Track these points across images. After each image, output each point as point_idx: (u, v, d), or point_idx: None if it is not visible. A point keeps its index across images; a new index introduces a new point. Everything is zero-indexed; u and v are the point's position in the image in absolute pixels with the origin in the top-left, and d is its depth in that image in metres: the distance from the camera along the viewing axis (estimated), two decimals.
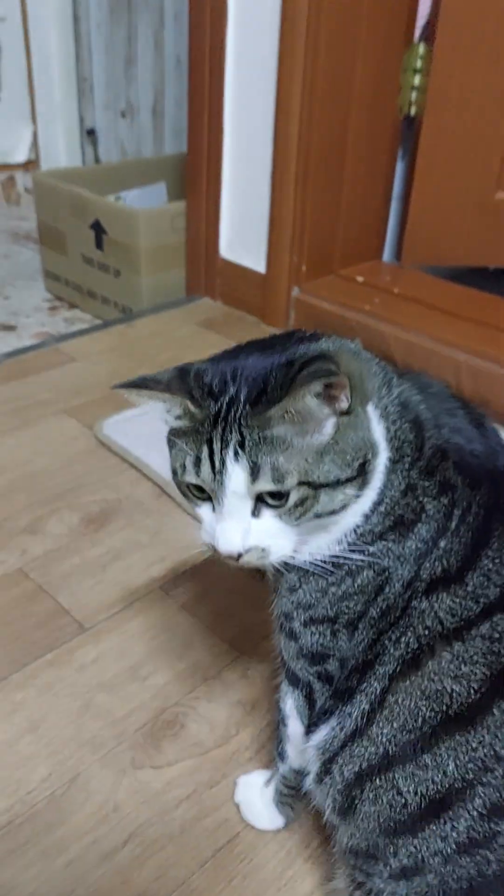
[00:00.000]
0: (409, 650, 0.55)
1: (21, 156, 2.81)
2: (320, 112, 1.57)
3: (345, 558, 0.57)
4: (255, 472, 0.52)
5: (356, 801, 0.57)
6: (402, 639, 0.55)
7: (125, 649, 0.96)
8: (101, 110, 2.76)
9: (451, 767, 0.52)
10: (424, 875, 0.54)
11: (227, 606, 1.02)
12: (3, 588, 1.03)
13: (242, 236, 1.79)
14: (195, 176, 1.80)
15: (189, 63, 1.71)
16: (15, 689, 0.90)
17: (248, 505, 0.54)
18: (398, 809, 0.55)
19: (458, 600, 0.54)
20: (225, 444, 0.53)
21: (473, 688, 0.52)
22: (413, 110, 1.70)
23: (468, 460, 0.57)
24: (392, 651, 0.56)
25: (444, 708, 0.52)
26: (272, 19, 1.51)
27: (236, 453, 0.53)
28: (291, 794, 0.72)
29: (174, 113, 2.60)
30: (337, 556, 0.57)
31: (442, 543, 0.55)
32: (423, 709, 0.53)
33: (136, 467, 1.27)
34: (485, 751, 0.51)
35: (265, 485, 0.52)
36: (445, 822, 0.52)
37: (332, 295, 1.70)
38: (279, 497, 0.53)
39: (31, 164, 2.85)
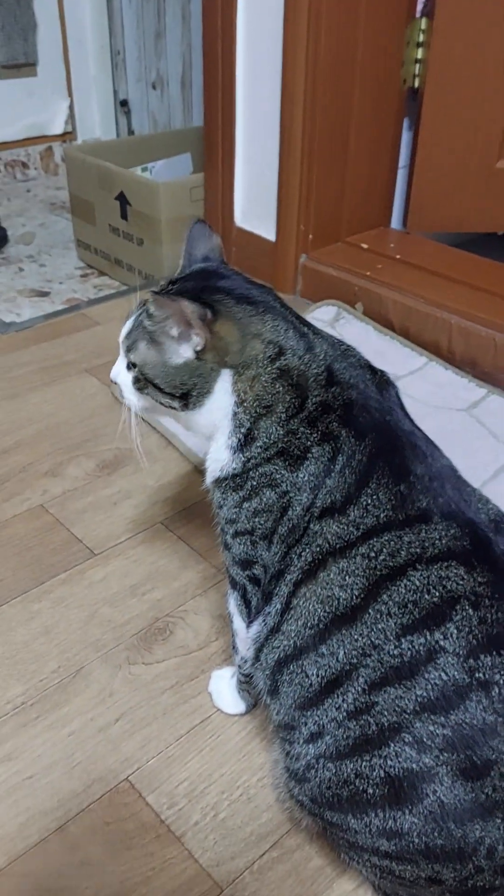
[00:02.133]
0: (308, 563, 0.69)
1: (58, 128, 2.95)
2: (324, 86, 1.67)
3: (239, 474, 0.74)
4: (127, 346, 0.80)
5: (278, 683, 0.73)
6: (303, 554, 0.70)
7: (129, 571, 1.13)
8: (134, 83, 2.87)
9: (341, 654, 0.66)
10: (324, 738, 0.69)
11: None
12: (26, 521, 1.21)
13: (255, 206, 1.91)
14: (211, 150, 1.92)
15: (203, 42, 1.82)
16: (33, 601, 1.07)
17: (124, 361, 0.81)
18: (306, 688, 0.69)
19: (342, 526, 0.68)
20: (131, 322, 0.81)
21: (355, 594, 0.66)
22: (417, 83, 1.79)
23: (355, 414, 0.71)
24: (296, 563, 0.70)
25: (334, 609, 0.67)
26: (276, 3, 1.61)
27: (129, 330, 0.80)
28: (247, 682, 0.88)
29: (201, 84, 2.70)
30: (235, 472, 0.75)
31: (329, 481, 0.70)
32: (318, 610, 0.68)
33: (146, 420, 1.43)
34: (364, 641, 0.65)
35: (126, 356, 0.80)
36: (338, 696, 0.67)
37: (337, 261, 1.81)
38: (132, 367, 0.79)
39: (68, 136, 2.99)
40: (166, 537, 1.19)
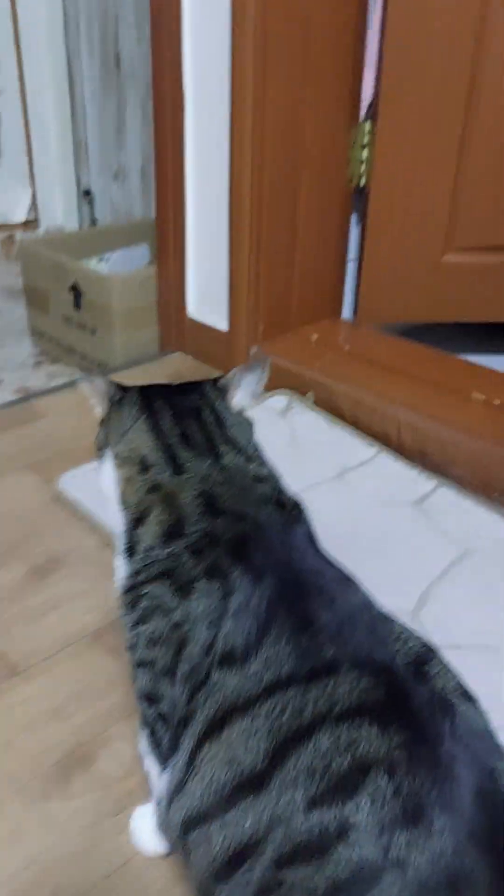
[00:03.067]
0: (211, 717, 0.64)
1: (20, 216, 2.99)
2: (270, 187, 1.70)
3: (130, 589, 0.73)
4: None
5: (187, 846, 0.66)
6: (207, 703, 0.65)
7: (52, 691, 1.06)
8: (97, 173, 2.94)
9: (246, 825, 0.60)
10: None
11: None
12: None
13: (208, 297, 1.92)
14: (164, 242, 1.94)
15: (154, 140, 1.85)
16: None
17: None
18: (213, 858, 0.62)
19: (242, 680, 0.63)
20: None
21: (259, 759, 0.61)
22: (363, 181, 1.83)
23: (250, 552, 0.68)
24: (199, 714, 0.65)
25: (238, 774, 0.61)
26: (223, 112, 1.66)
27: None
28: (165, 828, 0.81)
29: None
30: (126, 587, 0.72)
31: (228, 623, 0.65)
32: (223, 774, 0.62)
33: (86, 519, 1.38)
34: (269, 813, 0.59)
35: None
36: (246, 871, 0.60)
37: (287, 352, 1.81)
38: None
39: (30, 224, 3.03)
40: (95, 651, 1.13)
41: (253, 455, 0.81)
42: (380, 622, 0.68)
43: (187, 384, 0.86)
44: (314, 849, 0.57)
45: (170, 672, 0.69)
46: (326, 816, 0.57)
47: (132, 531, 0.75)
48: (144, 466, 0.77)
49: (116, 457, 0.80)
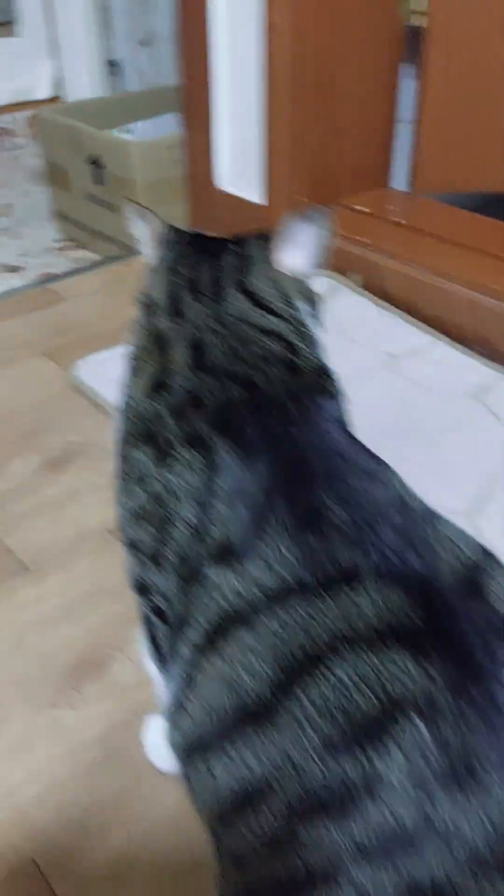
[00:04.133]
0: (209, 623, 0.52)
1: (44, 92, 2.76)
2: (311, 37, 1.46)
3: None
4: None
5: (188, 775, 0.54)
6: (205, 605, 0.52)
7: (66, 590, 0.96)
8: (123, 41, 2.68)
9: (252, 763, 0.48)
10: (246, 867, 0.49)
11: None
12: None
13: (241, 168, 1.72)
14: (190, 106, 1.73)
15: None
16: None
17: None
18: (215, 794, 0.51)
19: (241, 583, 0.50)
20: None
21: (265, 686, 0.48)
22: (418, 20, 1.57)
23: (240, 423, 0.56)
24: (197, 618, 0.53)
25: (241, 700, 0.49)
26: None
27: None
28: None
29: None
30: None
31: (220, 506, 0.53)
32: (222, 695, 0.50)
33: (104, 409, 1.26)
34: (279, 754, 0.46)
35: None
36: (252, 816, 0.48)
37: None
38: None
39: (55, 101, 2.80)
40: (112, 548, 1.02)
41: (281, 312, 0.65)
42: (421, 524, 0.53)
43: (238, 235, 0.72)
44: (334, 803, 0.44)
45: (156, 557, 0.57)
46: (348, 766, 0.44)
47: (127, 383, 0.65)
48: (151, 310, 0.66)
49: (137, 300, 0.70)
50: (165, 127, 2.03)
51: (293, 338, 0.63)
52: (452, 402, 1.29)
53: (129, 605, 0.92)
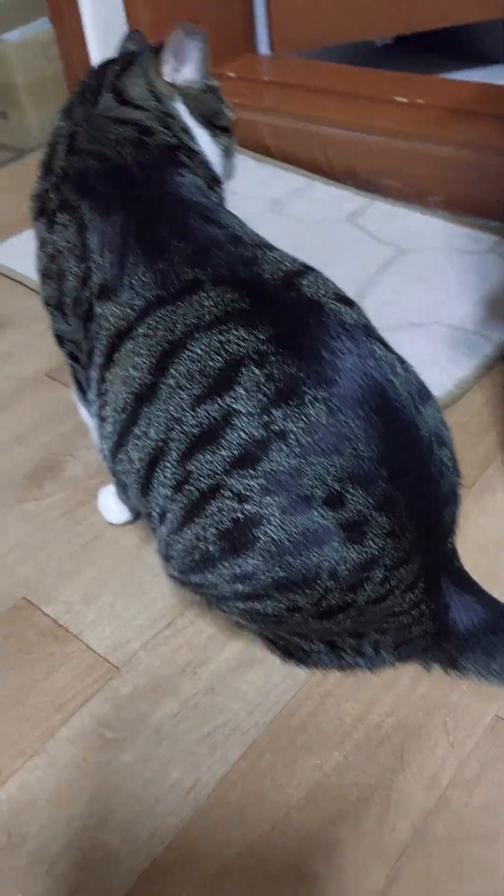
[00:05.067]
0: (105, 346, 0.70)
1: None
2: None
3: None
4: None
5: (118, 471, 0.74)
6: (100, 335, 0.71)
7: (13, 423, 1.13)
8: None
9: (151, 433, 0.67)
10: (167, 516, 0.69)
11: None
12: None
13: (109, 52, 1.81)
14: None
15: None
16: None
17: None
18: (137, 474, 0.70)
19: (118, 307, 0.69)
20: None
21: (145, 373, 0.67)
22: None
23: (94, 186, 0.73)
24: (97, 345, 0.72)
25: (133, 389, 0.68)
26: None
27: None
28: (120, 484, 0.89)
29: None
30: None
31: (95, 257, 0.71)
32: (122, 392, 0.69)
33: (25, 285, 1.40)
34: (165, 416, 0.66)
35: None
36: (160, 474, 0.68)
37: None
38: None
39: None
40: (52, 387, 1.19)
41: (144, 105, 0.80)
42: (251, 249, 0.70)
43: (137, 49, 0.87)
44: (207, 438, 0.64)
45: (60, 306, 0.76)
46: (210, 409, 0.63)
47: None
48: (60, 113, 0.83)
49: None
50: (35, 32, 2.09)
51: (153, 123, 0.78)
52: (333, 230, 1.46)
53: (75, 423, 1.10)
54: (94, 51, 1.83)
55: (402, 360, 0.68)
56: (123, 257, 0.69)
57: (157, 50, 0.82)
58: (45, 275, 0.78)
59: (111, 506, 0.94)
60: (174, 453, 0.66)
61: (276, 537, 0.64)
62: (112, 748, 0.75)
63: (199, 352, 0.65)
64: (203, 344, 0.65)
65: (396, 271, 1.33)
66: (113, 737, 0.76)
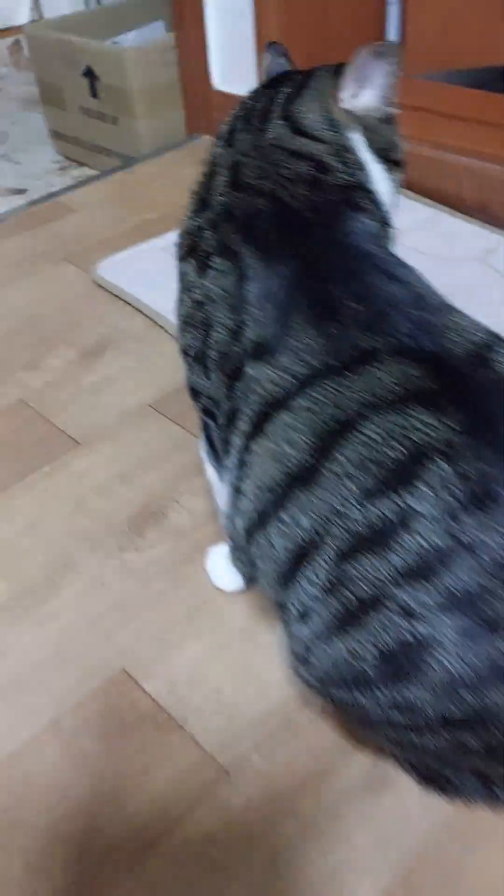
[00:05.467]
0: (254, 412, 0.60)
1: (23, 17, 2.73)
2: None
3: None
4: None
5: (253, 557, 0.63)
6: (248, 399, 0.60)
7: (116, 458, 1.04)
8: None
9: (304, 522, 0.56)
10: (312, 617, 0.58)
11: None
12: (5, 417, 1.12)
13: (234, 64, 1.73)
14: (179, 6, 1.72)
15: None
16: (14, 496, 0.99)
17: None
18: (278, 562, 0.59)
19: (276, 373, 0.58)
20: None
21: (306, 453, 0.56)
22: None
23: (263, 231, 0.62)
24: (244, 409, 0.61)
25: (287, 469, 0.57)
26: None
27: None
28: (239, 552, 0.79)
29: None
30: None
31: (253, 310, 0.60)
32: (271, 469, 0.58)
33: (129, 303, 1.31)
34: (324, 507, 0.55)
35: None
36: (310, 570, 0.57)
37: None
38: None
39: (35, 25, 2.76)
40: (156, 420, 1.10)
41: (320, 136, 0.69)
42: (437, 315, 0.59)
43: (313, 67, 0.74)
44: (375, 539, 0.53)
45: (201, 358, 0.66)
46: (384, 507, 0.52)
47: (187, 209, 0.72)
48: (219, 138, 0.73)
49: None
50: (152, 36, 2.03)
51: (329, 159, 0.67)
52: (460, 268, 1.34)
53: (179, 464, 1.01)
54: (215, 59, 1.76)
55: None
56: (287, 315, 0.59)
57: (337, 70, 0.72)
58: (188, 322, 0.68)
59: (222, 571, 0.84)
60: (331, 550, 0.55)
61: (451, 667, 0.53)
62: (221, 876, 0.64)
63: (374, 436, 0.53)
64: (379, 427, 0.53)
65: None
66: (220, 858, 0.65)
